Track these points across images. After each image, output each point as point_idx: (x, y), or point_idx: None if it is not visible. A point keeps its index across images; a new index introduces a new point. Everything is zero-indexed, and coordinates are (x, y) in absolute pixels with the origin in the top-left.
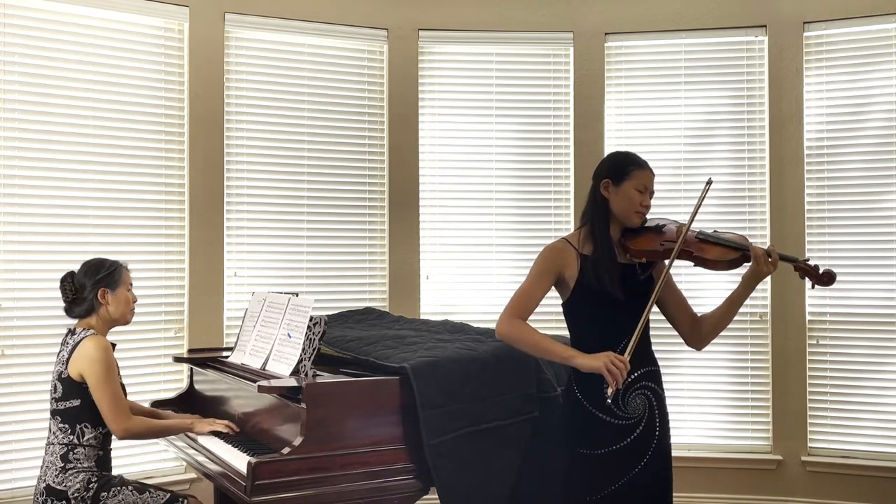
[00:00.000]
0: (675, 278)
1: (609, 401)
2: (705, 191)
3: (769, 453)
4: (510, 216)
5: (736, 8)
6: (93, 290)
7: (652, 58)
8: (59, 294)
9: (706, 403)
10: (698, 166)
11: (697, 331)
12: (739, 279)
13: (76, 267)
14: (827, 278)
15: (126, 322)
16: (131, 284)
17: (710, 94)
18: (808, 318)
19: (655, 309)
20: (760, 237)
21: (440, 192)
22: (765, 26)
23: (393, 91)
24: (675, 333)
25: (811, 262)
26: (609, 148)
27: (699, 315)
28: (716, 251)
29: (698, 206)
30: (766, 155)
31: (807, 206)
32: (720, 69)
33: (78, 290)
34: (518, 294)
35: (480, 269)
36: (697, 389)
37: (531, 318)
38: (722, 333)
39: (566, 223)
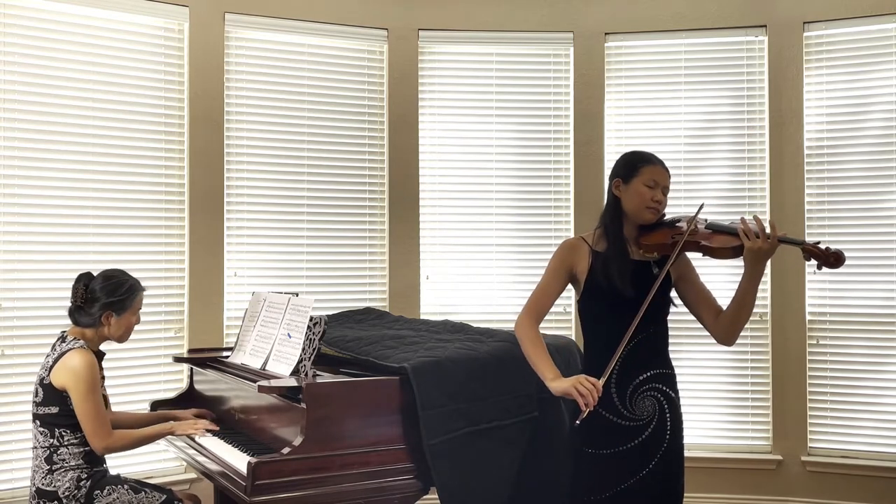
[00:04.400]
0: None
1: (577, 422)
2: (696, 214)
3: (769, 453)
4: (510, 216)
5: (736, 8)
6: (101, 310)
7: (652, 58)
8: (59, 294)
9: (706, 403)
10: (698, 166)
11: (722, 325)
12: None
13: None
14: (835, 259)
15: (120, 342)
16: (139, 308)
17: (710, 94)
18: (808, 318)
19: (681, 309)
20: None
21: (440, 192)
22: (765, 26)
23: (393, 91)
24: (676, 334)
25: (821, 245)
26: (609, 148)
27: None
28: (719, 239)
29: (688, 228)
30: (766, 155)
31: (807, 206)
32: (720, 69)
33: (89, 300)
34: (535, 293)
35: (480, 270)
36: (697, 389)
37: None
38: None
39: (566, 223)
